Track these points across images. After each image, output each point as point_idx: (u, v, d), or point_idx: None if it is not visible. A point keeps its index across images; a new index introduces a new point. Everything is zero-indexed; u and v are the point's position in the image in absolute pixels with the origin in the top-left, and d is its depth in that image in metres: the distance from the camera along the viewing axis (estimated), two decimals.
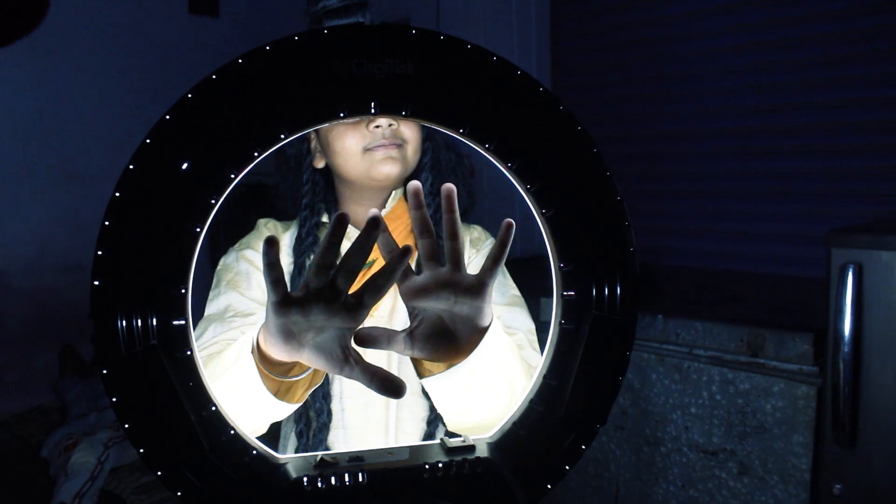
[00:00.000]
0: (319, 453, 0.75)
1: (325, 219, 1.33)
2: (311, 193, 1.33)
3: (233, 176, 0.71)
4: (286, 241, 1.33)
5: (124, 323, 0.70)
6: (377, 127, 1.17)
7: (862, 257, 1.77)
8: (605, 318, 0.79)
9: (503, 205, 3.85)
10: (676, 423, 2.39)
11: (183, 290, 0.71)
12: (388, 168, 1.21)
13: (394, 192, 1.34)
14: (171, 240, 0.70)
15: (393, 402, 1.26)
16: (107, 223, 0.70)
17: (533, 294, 2.71)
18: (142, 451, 0.72)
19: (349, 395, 1.27)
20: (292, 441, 1.28)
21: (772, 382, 2.16)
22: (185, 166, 0.70)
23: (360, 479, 0.73)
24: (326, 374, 1.21)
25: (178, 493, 0.73)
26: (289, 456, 0.77)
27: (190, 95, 0.70)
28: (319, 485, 0.73)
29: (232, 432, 0.74)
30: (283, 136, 0.70)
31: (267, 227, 1.37)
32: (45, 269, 4.07)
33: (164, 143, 0.70)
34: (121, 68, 4.28)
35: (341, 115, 0.71)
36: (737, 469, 2.25)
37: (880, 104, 2.70)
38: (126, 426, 0.71)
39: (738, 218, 3.17)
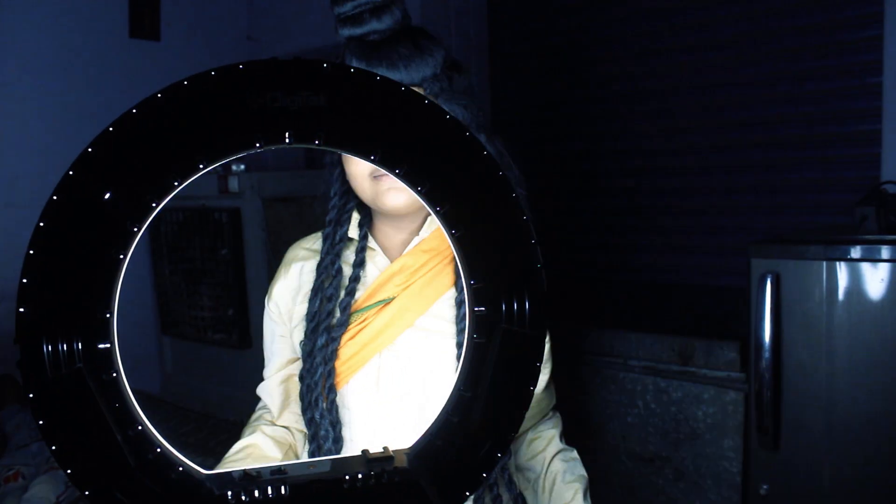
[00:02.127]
0: (244, 468, 0.79)
1: (352, 233, 1.29)
2: (337, 208, 1.29)
3: (154, 204, 0.74)
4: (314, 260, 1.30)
5: (50, 347, 0.73)
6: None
7: (780, 267, 1.85)
8: (515, 331, 0.84)
9: None
10: (614, 432, 2.45)
11: (108, 315, 0.74)
12: (392, 199, 1.17)
13: (430, 220, 1.28)
14: (95, 267, 0.73)
15: (401, 430, 1.24)
16: (31, 252, 0.72)
17: None
18: (69, 471, 0.74)
19: (358, 423, 1.25)
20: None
21: (702, 390, 2.24)
22: (107, 196, 0.73)
23: (283, 491, 0.77)
24: (333, 402, 1.23)
25: None
26: (213, 472, 0.80)
27: (111, 129, 0.73)
28: (243, 498, 0.76)
29: (158, 450, 0.77)
30: (201, 166, 0.74)
31: (288, 256, 1.36)
32: None
33: (87, 174, 0.73)
34: (60, 91, 4.23)
35: (257, 144, 0.74)
36: (672, 475, 2.32)
37: (800, 120, 2.82)
38: (53, 448, 0.74)
39: (666, 231, 3.26)
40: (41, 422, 0.73)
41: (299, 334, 1.27)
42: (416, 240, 1.27)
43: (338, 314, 1.23)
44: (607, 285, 3.26)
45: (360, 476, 0.79)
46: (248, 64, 0.75)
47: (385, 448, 0.84)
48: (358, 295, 1.26)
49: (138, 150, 0.74)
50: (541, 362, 0.87)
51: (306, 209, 3.78)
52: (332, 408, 1.22)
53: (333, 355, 1.22)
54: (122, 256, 0.74)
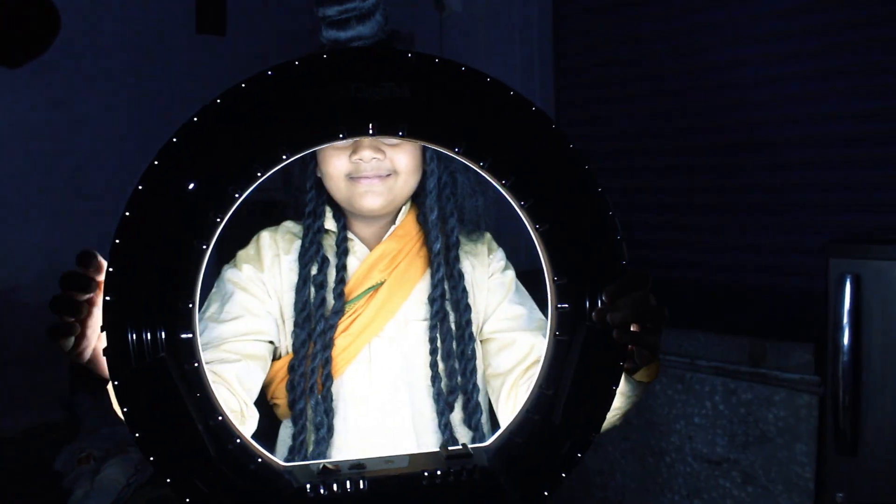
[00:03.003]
0: (322, 461, 0.78)
1: (329, 225, 1.31)
2: (315, 201, 1.30)
3: (237, 195, 0.74)
4: (291, 253, 1.30)
5: (134, 336, 0.73)
6: (360, 159, 1.16)
7: (859, 267, 1.79)
8: (599, 329, 0.82)
9: (508, 218, 3.89)
10: (680, 433, 2.40)
11: (190, 305, 0.74)
12: (368, 202, 1.19)
13: (403, 208, 1.31)
14: (179, 257, 0.73)
15: (394, 424, 1.25)
16: (117, 241, 0.73)
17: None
18: (152, 459, 0.75)
19: (353, 414, 1.25)
20: (286, 449, 1.28)
21: (773, 392, 2.17)
22: (191, 186, 0.73)
23: (361, 486, 0.76)
24: (329, 390, 1.23)
25: (187, 500, 0.76)
26: (293, 464, 0.79)
27: (196, 119, 0.73)
28: (322, 492, 0.75)
29: (238, 441, 0.77)
30: (284, 157, 0.73)
31: (261, 240, 1.32)
32: (54, 285, 4.11)
33: (172, 164, 0.73)
34: (129, 87, 4.33)
35: (340, 136, 0.74)
36: (741, 478, 2.26)
37: (874, 116, 2.72)
38: (136, 435, 0.74)
39: (738, 231, 3.19)
40: (125, 409, 0.74)
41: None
42: (393, 227, 1.29)
43: (332, 301, 1.24)
44: (673, 284, 3.20)
45: (439, 473, 0.78)
46: (332, 54, 0.74)
47: (464, 445, 0.83)
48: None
49: (222, 141, 0.73)
50: (623, 361, 0.85)
51: None
52: (328, 396, 1.21)
53: (331, 343, 1.21)
54: (204, 247, 0.74)
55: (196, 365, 0.75)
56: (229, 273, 1.27)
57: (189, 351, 0.74)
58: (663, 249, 3.39)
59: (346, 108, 0.74)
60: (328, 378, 1.22)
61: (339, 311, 1.23)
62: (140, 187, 0.73)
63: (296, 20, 5.09)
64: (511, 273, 1.38)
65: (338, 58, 0.74)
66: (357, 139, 1.14)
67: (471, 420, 1.23)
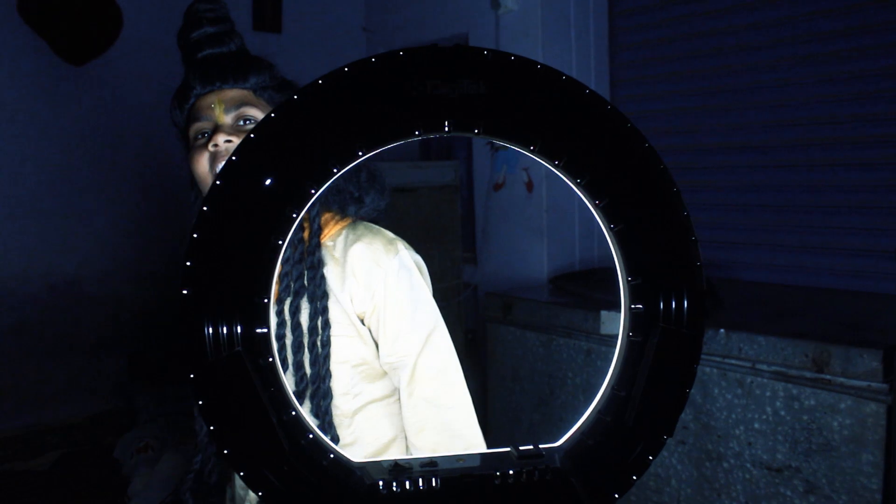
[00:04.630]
0: (394, 458, 0.78)
1: None
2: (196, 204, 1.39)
3: (313, 191, 0.74)
4: None
5: (211, 330, 0.74)
6: (215, 146, 1.24)
7: None
8: (673, 331, 0.81)
9: (561, 218, 3.87)
10: (739, 438, 2.36)
11: (266, 300, 0.75)
12: None
13: None
14: (256, 252, 0.74)
15: None
16: (195, 236, 0.74)
17: (593, 307, 2.72)
18: (225, 451, 0.75)
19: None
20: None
21: (838, 399, 2.12)
22: (268, 182, 0.73)
23: (434, 484, 0.76)
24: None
25: (259, 493, 0.76)
26: (363, 461, 0.79)
27: (273, 115, 0.73)
28: (394, 489, 0.75)
29: (311, 436, 0.77)
30: (360, 153, 0.73)
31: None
32: (118, 277, 4.21)
33: (249, 160, 0.74)
34: None
35: (416, 133, 0.73)
36: (802, 487, 2.21)
37: None
38: (211, 428, 0.75)
39: (804, 231, 3.12)
40: (200, 402, 0.75)
41: None
42: None
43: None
44: (734, 285, 3.15)
45: (511, 472, 0.78)
46: (409, 51, 0.74)
47: (535, 445, 0.82)
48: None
49: (298, 137, 0.74)
50: (697, 364, 0.83)
51: (422, 200, 3.80)
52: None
53: None
54: (280, 242, 0.75)
55: (271, 360, 0.75)
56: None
57: (265, 346, 0.75)
58: (725, 249, 3.34)
59: (423, 105, 0.73)
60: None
61: None
62: (218, 182, 0.74)
63: (350, 17, 5.13)
64: (402, 272, 1.36)
65: (414, 55, 0.74)
66: (214, 129, 1.20)
67: (319, 408, 1.27)
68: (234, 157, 0.74)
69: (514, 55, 0.76)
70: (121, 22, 4.18)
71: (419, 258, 1.41)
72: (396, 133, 0.74)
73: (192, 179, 1.37)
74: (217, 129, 1.28)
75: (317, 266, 1.29)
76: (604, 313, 2.67)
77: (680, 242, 0.81)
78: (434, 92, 0.74)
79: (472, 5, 4.16)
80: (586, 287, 3.11)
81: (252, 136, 0.74)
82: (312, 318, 1.27)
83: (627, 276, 0.80)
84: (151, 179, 4.29)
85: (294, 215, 0.74)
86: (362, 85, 0.74)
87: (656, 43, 3.70)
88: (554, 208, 3.83)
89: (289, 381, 1.30)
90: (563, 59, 3.85)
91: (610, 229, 0.79)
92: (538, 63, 0.77)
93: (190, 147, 1.34)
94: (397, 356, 1.32)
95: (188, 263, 0.74)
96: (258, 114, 1.32)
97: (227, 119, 1.29)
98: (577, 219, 3.92)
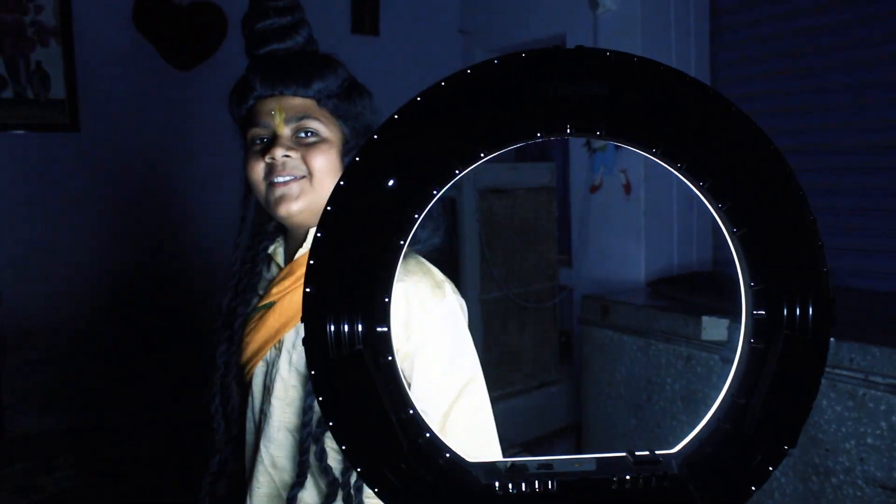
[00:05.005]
0: (510, 459, 0.78)
1: (268, 247, 1.38)
2: (247, 221, 1.39)
3: (435, 192, 0.75)
4: None
5: (333, 328, 0.75)
6: (272, 158, 1.20)
7: None
8: (797, 338, 0.78)
9: (659, 221, 3.80)
10: (850, 453, 2.27)
11: (386, 299, 0.76)
12: (283, 207, 1.22)
13: (311, 231, 1.29)
14: (378, 252, 0.75)
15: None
16: (318, 235, 0.75)
17: (693, 312, 2.66)
18: (344, 447, 0.77)
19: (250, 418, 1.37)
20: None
21: None
22: (391, 183, 0.75)
23: (550, 486, 0.76)
24: (230, 388, 1.35)
25: (376, 490, 0.78)
26: (478, 461, 0.80)
27: (396, 116, 0.75)
28: (511, 490, 0.76)
29: (428, 436, 0.78)
30: (482, 155, 0.74)
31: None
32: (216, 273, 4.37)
33: (372, 161, 0.75)
34: None
35: (538, 135, 0.74)
36: None
37: None
38: (331, 423, 0.77)
39: None
40: (321, 398, 0.76)
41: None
42: (301, 251, 1.31)
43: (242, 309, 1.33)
44: (847, 292, 3.03)
45: (628, 478, 0.77)
46: (531, 52, 0.74)
47: (651, 451, 0.81)
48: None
49: (422, 139, 0.75)
50: (822, 373, 0.81)
51: (518, 202, 3.80)
52: (230, 394, 1.35)
53: (241, 347, 1.32)
54: (402, 242, 0.76)
55: (390, 359, 0.76)
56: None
57: (385, 344, 0.76)
58: (838, 254, 3.22)
59: (545, 107, 0.73)
60: (240, 379, 1.33)
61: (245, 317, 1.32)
62: (342, 183, 0.75)
63: (446, 19, 5.16)
64: (448, 317, 1.31)
65: (537, 56, 0.74)
66: (272, 139, 1.18)
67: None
68: (357, 159, 0.75)
69: (636, 56, 0.75)
70: (226, 27, 4.32)
71: (463, 301, 1.36)
72: (518, 135, 0.74)
73: (246, 183, 1.36)
74: (276, 140, 1.25)
75: None
76: (705, 319, 2.62)
77: (805, 247, 0.79)
78: (556, 93, 0.74)
79: (569, 5, 4.13)
80: (685, 291, 3.05)
81: (376, 137, 0.75)
82: None
83: (750, 281, 0.79)
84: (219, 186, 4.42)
85: (416, 216, 0.75)
86: (484, 87, 0.74)
87: (759, 41, 3.60)
88: (652, 211, 3.77)
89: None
90: (662, 59, 3.78)
91: (733, 233, 0.78)
92: (661, 64, 0.76)
93: (247, 149, 1.34)
94: (427, 402, 1.26)
95: (311, 262, 0.75)
96: (319, 126, 1.28)
97: (287, 131, 1.26)
98: (676, 222, 3.85)
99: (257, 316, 1.32)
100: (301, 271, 1.28)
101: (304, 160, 1.23)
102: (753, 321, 0.79)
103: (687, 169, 0.76)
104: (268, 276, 1.40)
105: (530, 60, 0.74)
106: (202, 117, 4.37)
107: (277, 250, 1.40)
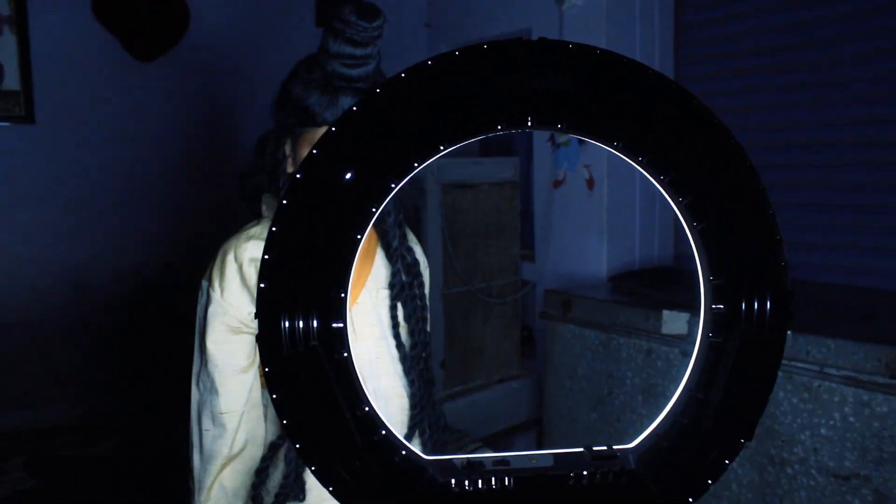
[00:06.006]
0: (466, 456, 0.77)
1: None
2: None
3: (393, 185, 0.73)
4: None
5: (287, 324, 0.74)
6: None
7: None
8: (755, 333, 0.78)
9: (621, 216, 3.82)
10: (805, 444, 2.30)
11: (342, 295, 0.74)
12: None
13: None
14: (334, 246, 0.74)
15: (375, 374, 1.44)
16: (274, 229, 0.74)
17: (654, 307, 2.68)
18: (298, 445, 0.76)
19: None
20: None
21: None
22: (348, 176, 0.73)
23: (507, 483, 0.75)
24: None
25: (331, 488, 0.76)
26: (436, 457, 0.79)
27: (355, 108, 0.73)
28: (467, 487, 0.75)
29: (383, 433, 0.77)
30: (442, 148, 0.73)
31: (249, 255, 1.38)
32: (179, 269, 4.31)
33: (330, 154, 0.73)
34: (251, 80, 4.45)
35: (499, 127, 0.73)
36: (872, 497, 2.15)
37: None
38: (285, 422, 0.75)
39: (874, 231, 3.03)
40: (275, 395, 0.75)
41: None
42: None
43: None
44: (804, 286, 3.07)
45: (585, 473, 0.76)
46: (492, 43, 0.73)
47: (609, 446, 0.81)
48: None
49: (380, 131, 0.73)
50: (779, 368, 0.81)
51: (482, 196, 3.79)
52: None
53: None
54: (358, 237, 0.75)
55: (346, 355, 0.75)
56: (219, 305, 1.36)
57: (340, 341, 0.75)
58: (794, 249, 3.25)
59: (506, 99, 0.72)
60: None
61: None
62: (298, 176, 0.74)
63: (412, 13, 5.13)
64: None
65: (498, 48, 0.73)
66: None
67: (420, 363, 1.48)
68: (314, 151, 0.73)
69: (599, 48, 0.74)
70: (188, 19, 4.26)
71: None
72: (479, 127, 0.73)
73: (279, 166, 1.39)
74: None
75: (411, 260, 1.48)
76: (666, 313, 2.63)
77: (765, 242, 0.79)
78: (518, 86, 0.73)
79: (534, 0, 4.13)
80: (646, 286, 3.07)
81: (333, 129, 0.74)
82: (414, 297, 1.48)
83: (709, 275, 0.78)
84: (194, 178, 4.36)
85: (373, 210, 0.74)
86: (445, 78, 0.73)
87: (724, 38, 3.63)
88: (614, 206, 3.78)
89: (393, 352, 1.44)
90: (628, 55, 3.80)
91: (693, 227, 0.77)
92: (624, 57, 0.75)
93: (305, 139, 1.35)
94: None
95: (266, 257, 0.74)
96: None
97: None
98: (638, 217, 3.87)
99: None
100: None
101: None
102: (712, 315, 0.79)
103: (648, 163, 0.76)
104: None
105: (492, 52, 0.73)
106: (164, 109, 4.30)
107: None
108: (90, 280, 4.14)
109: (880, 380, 2.11)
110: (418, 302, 1.48)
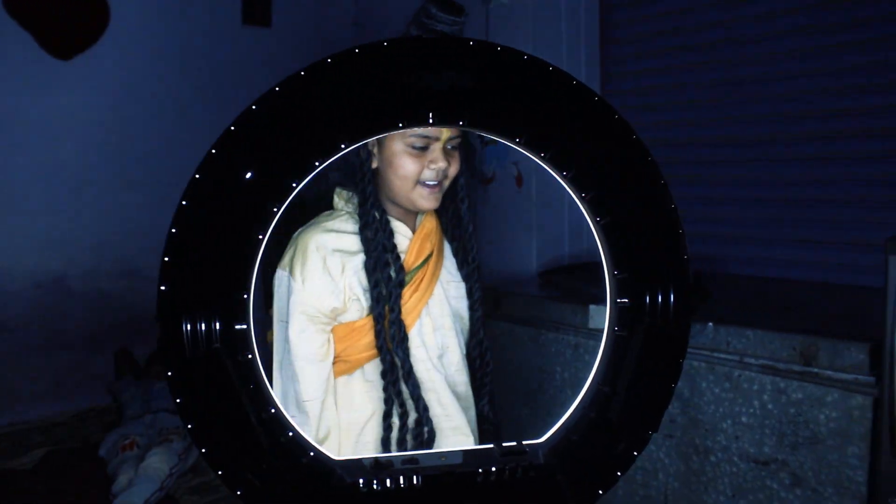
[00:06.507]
0: (374, 455, 0.77)
1: (377, 214, 1.44)
2: (374, 193, 1.40)
3: (294, 185, 0.72)
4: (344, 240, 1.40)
5: (189, 327, 0.72)
6: (436, 167, 1.25)
7: None
8: (659, 326, 0.80)
9: (551, 212, 3.86)
10: (727, 432, 2.36)
11: (245, 296, 0.73)
12: (429, 205, 1.31)
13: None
14: (235, 246, 0.72)
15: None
16: (173, 230, 0.72)
17: (581, 301, 2.71)
18: (203, 450, 0.74)
19: (421, 356, 1.38)
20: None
21: (825, 392, 2.12)
22: (248, 176, 0.72)
23: (415, 482, 0.75)
24: (404, 341, 1.35)
25: (238, 493, 0.75)
26: (343, 458, 0.78)
27: (254, 107, 0.72)
28: (375, 487, 0.74)
29: (290, 434, 0.76)
30: (343, 146, 0.72)
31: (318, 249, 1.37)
32: (103, 274, 4.18)
33: (229, 153, 0.72)
34: (176, 79, 4.35)
35: (400, 125, 0.72)
36: (789, 480, 2.21)
37: None
38: (189, 426, 0.73)
39: (797, 225, 3.12)
40: (178, 400, 0.73)
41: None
42: (416, 224, 1.44)
43: (394, 275, 1.38)
44: (722, 278, 3.14)
45: (493, 470, 0.77)
46: (392, 41, 0.73)
47: (518, 442, 0.81)
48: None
49: (280, 130, 0.72)
50: (683, 359, 0.82)
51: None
52: (404, 345, 1.33)
53: (400, 307, 1.36)
54: (261, 236, 0.73)
55: (250, 356, 0.74)
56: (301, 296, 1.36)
57: (243, 342, 0.73)
58: (712, 243, 3.33)
59: (406, 96, 0.72)
60: (403, 333, 1.37)
61: (402, 283, 1.37)
62: (197, 176, 0.72)
63: (340, 11, 5.10)
64: None
65: (398, 46, 0.72)
66: (432, 147, 1.19)
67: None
68: (213, 151, 0.72)
69: (500, 46, 0.74)
70: (108, 16, 4.14)
71: None
72: (380, 125, 0.73)
73: (363, 164, 1.37)
74: (438, 151, 1.24)
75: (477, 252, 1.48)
76: (592, 307, 2.66)
77: (667, 236, 0.80)
78: (418, 83, 0.72)
79: None
80: (575, 281, 3.10)
81: (232, 128, 0.72)
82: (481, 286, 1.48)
83: (613, 269, 0.79)
84: (137, 175, 4.25)
85: (275, 210, 0.73)
86: (345, 76, 0.73)
87: (649, 36, 3.68)
88: (543, 203, 3.81)
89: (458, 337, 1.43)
90: (553, 54, 3.83)
91: (596, 222, 0.78)
92: (525, 53, 0.75)
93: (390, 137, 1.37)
94: None
95: (166, 259, 0.72)
96: (459, 140, 1.36)
97: (445, 144, 1.33)
98: (567, 213, 3.91)
99: (413, 277, 1.44)
100: (433, 222, 1.44)
101: (450, 168, 1.33)
102: (617, 309, 0.80)
103: (550, 159, 0.76)
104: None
105: (392, 49, 0.73)
106: (85, 108, 4.18)
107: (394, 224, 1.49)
108: (24, 287, 4.00)
109: (796, 367, 2.17)
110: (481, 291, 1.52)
